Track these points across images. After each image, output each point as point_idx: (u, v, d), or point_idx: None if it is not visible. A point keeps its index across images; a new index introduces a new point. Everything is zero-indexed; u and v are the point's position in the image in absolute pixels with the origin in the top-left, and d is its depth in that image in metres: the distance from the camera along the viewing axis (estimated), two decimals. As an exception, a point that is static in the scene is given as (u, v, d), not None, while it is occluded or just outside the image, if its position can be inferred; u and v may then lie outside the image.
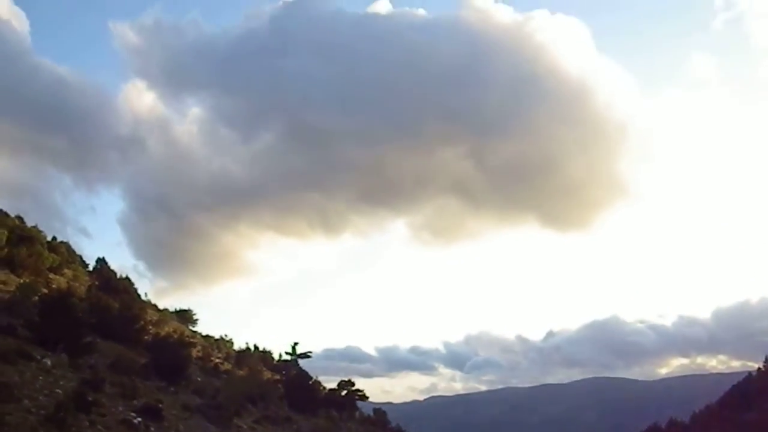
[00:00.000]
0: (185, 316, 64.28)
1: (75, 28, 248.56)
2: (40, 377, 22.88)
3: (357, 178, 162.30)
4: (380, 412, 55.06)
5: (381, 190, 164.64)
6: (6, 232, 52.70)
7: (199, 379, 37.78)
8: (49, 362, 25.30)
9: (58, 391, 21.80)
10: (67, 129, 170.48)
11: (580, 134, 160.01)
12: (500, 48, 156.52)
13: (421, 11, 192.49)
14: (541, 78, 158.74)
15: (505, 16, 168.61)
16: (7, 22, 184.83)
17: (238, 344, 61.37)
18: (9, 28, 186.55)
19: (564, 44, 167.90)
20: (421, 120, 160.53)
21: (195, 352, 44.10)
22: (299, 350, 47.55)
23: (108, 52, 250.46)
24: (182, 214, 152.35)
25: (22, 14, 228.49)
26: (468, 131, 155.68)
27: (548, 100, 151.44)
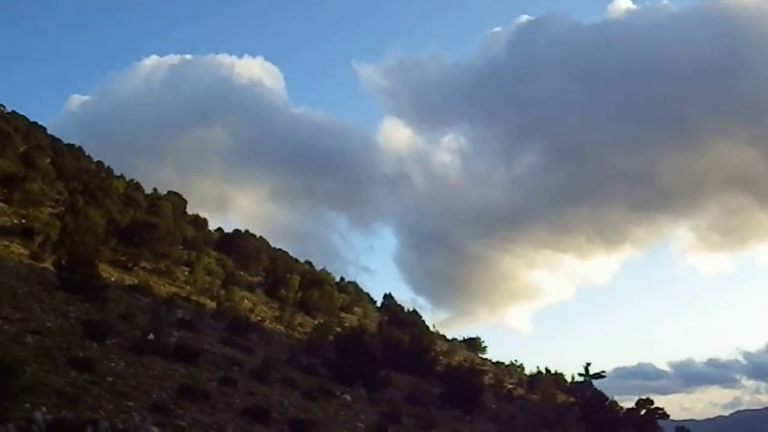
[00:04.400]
0: (473, 344, 64.88)
1: (321, 72, 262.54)
2: (342, 412, 23.76)
3: (628, 186, 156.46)
4: (683, 430, 52.43)
5: (656, 196, 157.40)
6: (298, 278, 55.83)
7: (493, 406, 37.79)
8: (348, 397, 26.26)
9: (359, 424, 22.51)
10: (336, 171, 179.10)
11: None
12: (758, 27, 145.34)
13: (664, 2, 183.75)
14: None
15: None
16: (263, 81, 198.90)
17: (529, 368, 60.95)
18: (265, 88, 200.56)
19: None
20: (689, 117, 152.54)
21: (487, 379, 44.24)
22: (592, 370, 46.20)
23: (355, 93, 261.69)
24: (455, 243, 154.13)
25: (275, 69, 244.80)
26: (743, 120, 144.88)
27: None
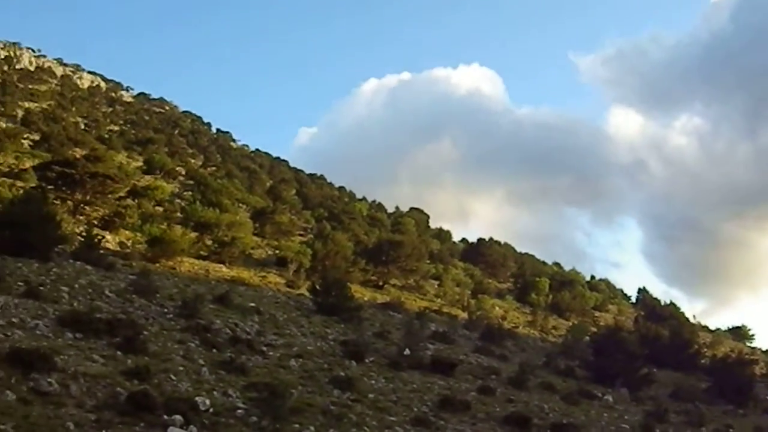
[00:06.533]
0: (739, 333, 61.43)
1: (539, 69, 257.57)
2: (605, 414, 23.20)
3: None
4: None
5: None
6: (547, 280, 55.37)
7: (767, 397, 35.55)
8: (610, 398, 25.64)
9: (624, 426, 21.89)
10: (569, 167, 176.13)
11: None
12: None
13: None
14: None
15: None
16: (481, 88, 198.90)
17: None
18: (485, 94, 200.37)
19: None
20: None
21: (758, 370, 41.71)
22: None
23: (575, 86, 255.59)
24: (704, 228, 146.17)
25: (492, 74, 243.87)
26: None
27: None
